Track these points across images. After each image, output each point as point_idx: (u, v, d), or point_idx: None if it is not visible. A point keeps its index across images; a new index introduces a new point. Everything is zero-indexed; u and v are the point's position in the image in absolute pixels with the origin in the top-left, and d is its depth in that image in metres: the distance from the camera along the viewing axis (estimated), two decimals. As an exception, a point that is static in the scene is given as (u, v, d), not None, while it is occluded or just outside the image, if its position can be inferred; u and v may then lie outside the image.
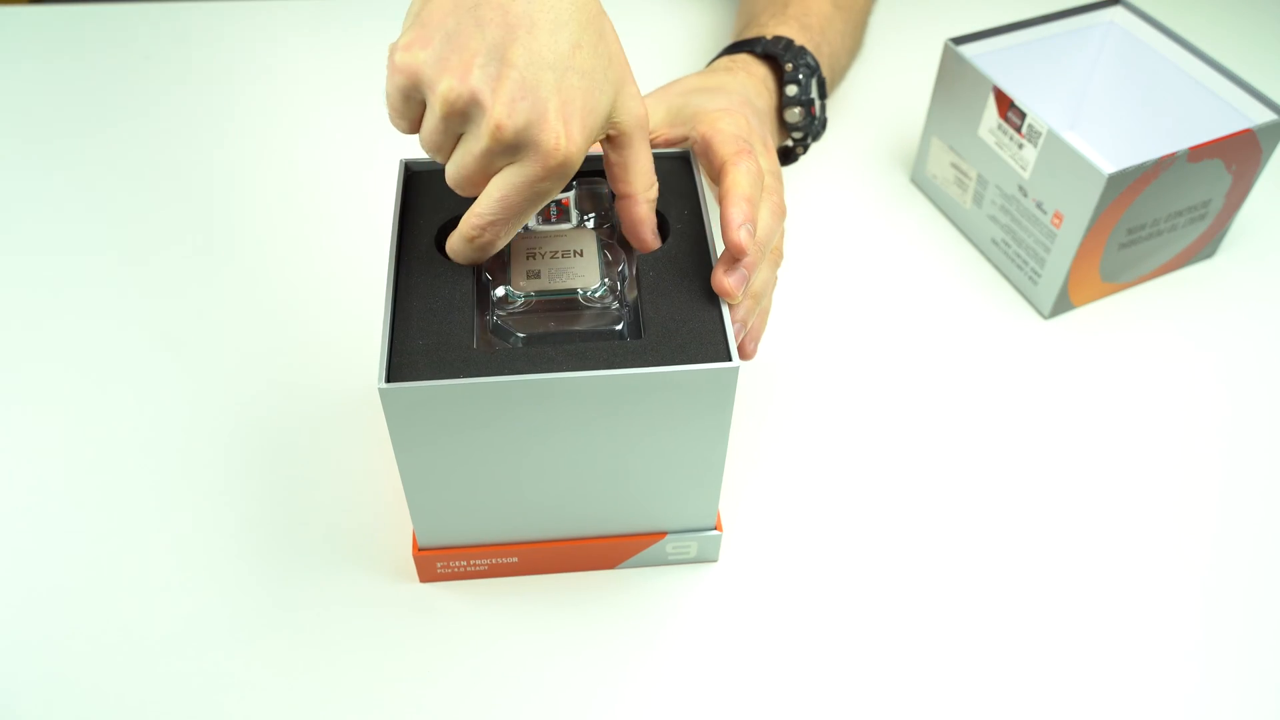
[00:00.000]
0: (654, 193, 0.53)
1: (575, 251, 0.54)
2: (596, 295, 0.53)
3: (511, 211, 0.49)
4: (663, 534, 0.58)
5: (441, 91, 0.46)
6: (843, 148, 0.86)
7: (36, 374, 0.69)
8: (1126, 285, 0.76)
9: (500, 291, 0.52)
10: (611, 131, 0.51)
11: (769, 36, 0.72)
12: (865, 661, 0.57)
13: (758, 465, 0.65)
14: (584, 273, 0.53)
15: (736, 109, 0.61)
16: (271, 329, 0.71)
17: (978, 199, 0.77)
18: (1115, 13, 0.79)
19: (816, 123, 0.73)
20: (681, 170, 0.59)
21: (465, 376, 0.48)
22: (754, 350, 0.57)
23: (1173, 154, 0.66)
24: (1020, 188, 0.72)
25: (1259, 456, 0.66)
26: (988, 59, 0.77)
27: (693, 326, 0.50)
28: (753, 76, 0.70)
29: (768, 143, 0.62)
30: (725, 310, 0.51)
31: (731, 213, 0.52)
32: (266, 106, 0.88)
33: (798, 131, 0.72)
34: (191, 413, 0.67)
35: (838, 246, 0.79)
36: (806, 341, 0.72)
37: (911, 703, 0.55)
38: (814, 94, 0.72)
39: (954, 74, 0.75)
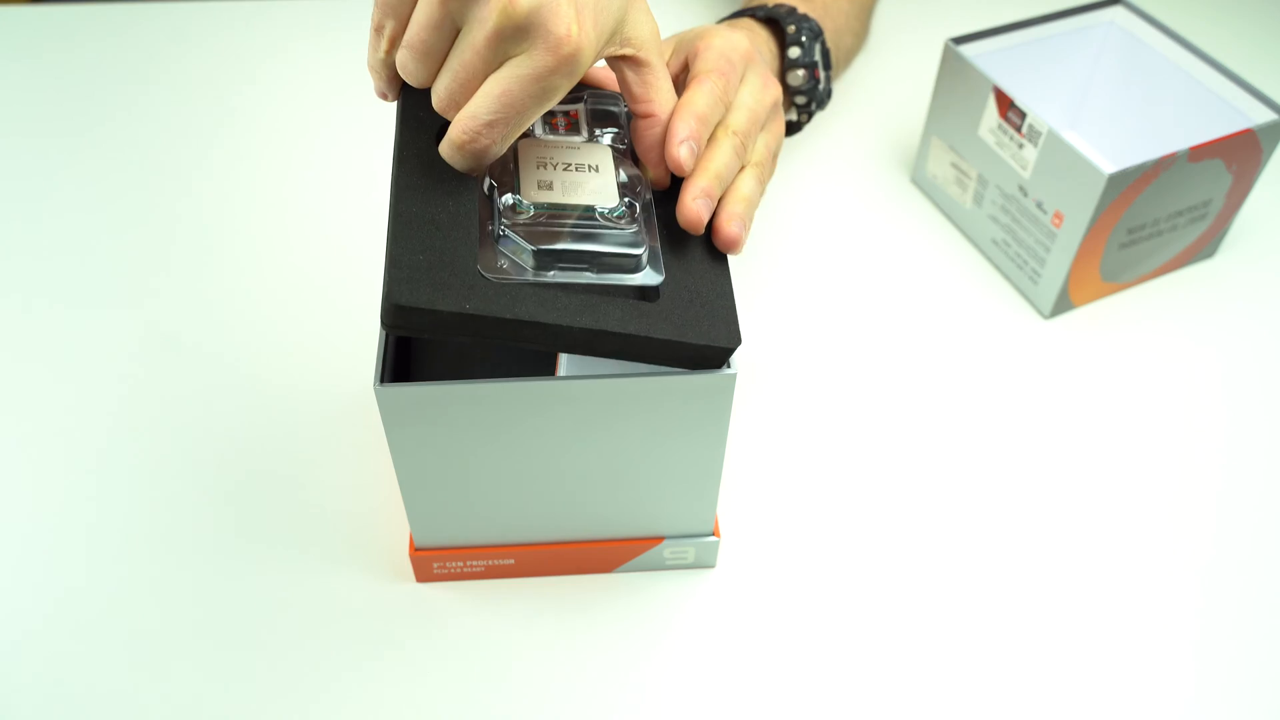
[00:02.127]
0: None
1: (591, 166, 0.49)
2: (615, 216, 0.48)
3: (513, 109, 0.44)
4: (660, 539, 0.58)
5: None
6: (843, 148, 0.86)
7: (34, 374, 0.69)
8: (1126, 285, 0.76)
9: (508, 200, 0.47)
10: (626, 50, 0.48)
11: (770, 3, 0.72)
12: (863, 668, 0.57)
13: (757, 469, 0.65)
14: (601, 189, 0.48)
15: (722, 29, 0.58)
16: (269, 329, 0.71)
17: (978, 199, 0.77)
18: (1115, 13, 0.79)
19: (821, 90, 0.71)
20: None
21: (467, 307, 0.42)
22: (739, 233, 0.51)
23: (1173, 154, 0.66)
24: (1020, 188, 0.72)
25: (1259, 456, 0.66)
26: (988, 59, 0.77)
27: (707, 298, 0.47)
28: (753, 34, 0.68)
29: (766, 77, 0.58)
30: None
31: (676, 126, 0.49)
32: (266, 106, 0.88)
33: (801, 96, 0.71)
34: (189, 412, 0.67)
35: (838, 246, 0.79)
36: (806, 342, 0.72)
37: (910, 707, 0.55)
38: (817, 57, 0.70)
39: (954, 74, 0.75)
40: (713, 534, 0.58)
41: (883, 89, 0.92)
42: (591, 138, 0.51)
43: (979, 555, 0.61)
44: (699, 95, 0.51)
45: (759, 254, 0.78)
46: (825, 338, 0.72)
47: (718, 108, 0.52)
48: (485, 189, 0.47)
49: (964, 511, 0.63)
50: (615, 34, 0.47)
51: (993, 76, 0.72)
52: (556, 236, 0.46)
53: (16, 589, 0.59)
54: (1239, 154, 0.70)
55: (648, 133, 0.50)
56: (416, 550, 0.57)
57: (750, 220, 0.52)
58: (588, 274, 0.46)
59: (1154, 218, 0.70)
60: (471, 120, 0.44)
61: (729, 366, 0.48)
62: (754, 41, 0.68)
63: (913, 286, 0.76)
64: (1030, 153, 0.70)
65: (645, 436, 0.51)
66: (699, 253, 0.50)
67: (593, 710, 0.55)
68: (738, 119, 0.54)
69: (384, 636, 0.57)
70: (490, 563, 0.58)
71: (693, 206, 0.49)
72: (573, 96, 0.52)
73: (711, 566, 0.60)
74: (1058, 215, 0.69)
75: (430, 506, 0.54)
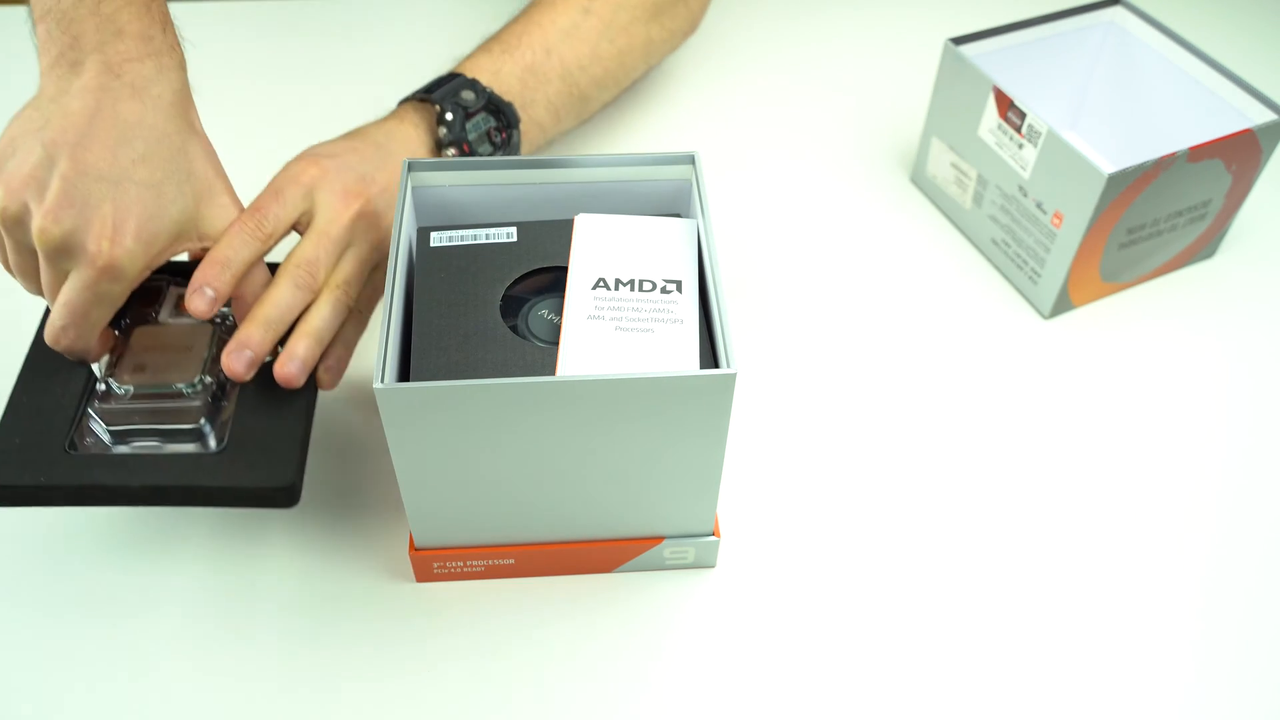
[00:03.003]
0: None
1: (186, 347, 0.56)
2: (194, 391, 0.54)
3: (77, 315, 0.52)
4: (660, 539, 0.58)
5: None
6: (843, 148, 0.86)
7: None
8: (1126, 285, 0.76)
9: (102, 386, 0.55)
10: (205, 243, 0.55)
11: (456, 75, 0.70)
12: (863, 667, 0.57)
13: (757, 469, 0.65)
14: (186, 367, 0.55)
15: (329, 145, 0.62)
16: None
17: (978, 199, 0.77)
18: (1115, 13, 0.79)
19: (490, 149, 0.69)
20: None
21: (42, 479, 0.52)
22: (293, 374, 0.55)
23: (1173, 154, 0.66)
24: (1020, 188, 0.72)
25: (1259, 456, 0.66)
26: (988, 59, 0.77)
27: (271, 441, 0.54)
28: (404, 123, 0.67)
29: (342, 194, 0.59)
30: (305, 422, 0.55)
31: (195, 275, 0.54)
32: (266, 106, 0.88)
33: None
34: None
35: (838, 246, 0.79)
36: (806, 342, 0.72)
37: (911, 707, 0.55)
38: (467, 134, 0.68)
39: (954, 74, 0.75)
40: (713, 534, 0.58)
41: (883, 89, 0.92)
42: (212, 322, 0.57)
43: (978, 555, 0.61)
44: (223, 242, 0.55)
45: (759, 254, 0.78)
46: (825, 338, 0.72)
47: (240, 248, 0.55)
48: (96, 372, 0.56)
49: (964, 512, 0.63)
50: (183, 233, 0.54)
51: (992, 76, 0.72)
52: (132, 416, 0.54)
53: (17, 590, 0.59)
54: (1239, 154, 0.70)
55: (237, 311, 0.56)
56: (416, 550, 0.57)
57: (318, 347, 0.56)
58: (155, 443, 0.54)
59: (1154, 218, 0.70)
60: (51, 325, 0.53)
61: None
62: (400, 129, 0.66)
63: (913, 287, 0.76)
64: (1030, 153, 0.70)
65: (645, 436, 0.51)
66: (280, 393, 0.55)
67: (593, 710, 0.55)
68: (301, 251, 0.57)
69: (384, 636, 0.57)
70: (490, 563, 0.58)
71: (226, 362, 0.54)
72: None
73: (711, 566, 0.60)
74: (1057, 215, 0.69)
75: (430, 506, 0.54)
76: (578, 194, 0.59)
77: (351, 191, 0.60)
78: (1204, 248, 0.77)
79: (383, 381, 0.47)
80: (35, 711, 0.54)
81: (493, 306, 0.53)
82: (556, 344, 0.52)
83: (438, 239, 0.56)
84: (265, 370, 0.56)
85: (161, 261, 0.54)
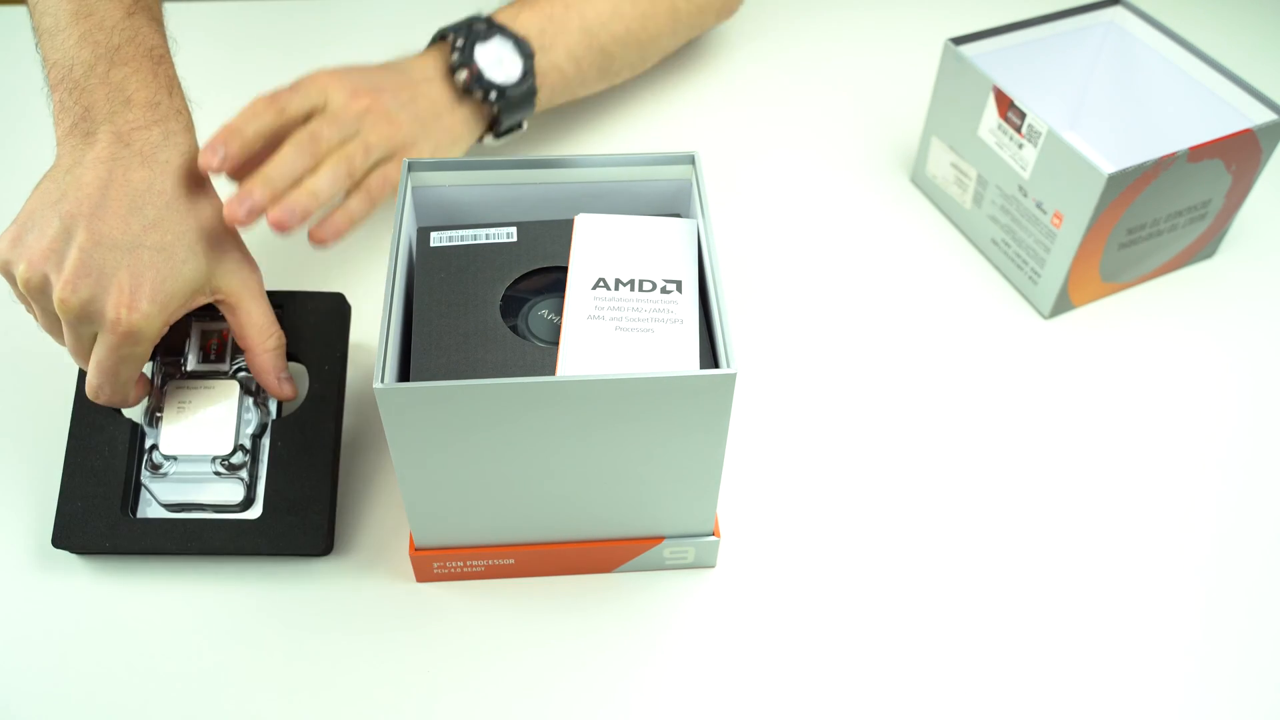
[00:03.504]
0: (273, 342, 0.59)
1: (217, 409, 0.60)
2: (228, 464, 0.59)
3: (108, 374, 0.55)
4: (660, 539, 0.58)
5: (20, 275, 0.53)
6: (843, 148, 0.86)
7: (38, 379, 0.69)
8: (1126, 285, 0.76)
9: (154, 458, 0.59)
10: (218, 297, 0.57)
11: (481, 19, 0.73)
12: (862, 667, 0.57)
13: (757, 469, 0.65)
14: (219, 437, 0.59)
15: (348, 73, 0.66)
16: None
17: (978, 199, 0.77)
18: (1115, 13, 0.79)
19: (488, 83, 0.72)
20: (333, 313, 0.63)
21: (111, 546, 0.57)
22: (283, 218, 0.57)
23: (1173, 154, 0.66)
24: (1020, 188, 0.72)
25: (1259, 456, 0.66)
26: (988, 59, 0.77)
27: (303, 506, 0.58)
28: (424, 58, 0.72)
29: (352, 91, 0.64)
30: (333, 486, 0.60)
31: (211, 140, 0.57)
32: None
33: (479, 92, 0.72)
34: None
35: (838, 247, 0.79)
36: (806, 342, 0.72)
37: (910, 706, 0.55)
38: (477, 60, 0.71)
39: (954, 74, 0.75)
40: (713, 534, 0.58)
41: (883, 89, 0.92)
42: (232, 361, 0.61)
43: (979, 555, 0.61)
44: (242, 112, 0.59)
45: (759, 254, 0.78)
46: (825, 338, 0.72)
47: (259, 116, 0.59)
48: (139, 426, 0.60)
49: (964, 511, 0.63)
50: (198, 290, 0.56)
51: (992, 76, 0.72)
52: (180, 486, 0.59)
53: (21, 598, 0.59)
54: (1238, 154, 0.70)
55: (250, 361, 0.59)
56: (417, 550, 0.57)
57: (312, 203, 0.59)
58: (205, 513, 0.59)
59: (1154, 218, 0.70)
60: (89, 384, 0.56)
61: (729, 366, 0.49)
62: (416, 59, 0.72)
63: (913, 287, 0.76)
64: (1030, 153, 0.70)
65: (646, 436, 0.51)
66: (304, 458, 0.59)
67: (595, 710, 0.55)
68: (308, 125, 0.61)
69: (384, 636, 0.57)
70: (490, 562, 0.58)
71: (228, 209, 0.56)
72: (222, 316, 0.61)
73: (711, 566, 0.60)
74: (1057, 215, 0.69)
75: (430, 506, 0.54)
76: (577, 194, 0.59)
77: (362, 90, 0.65)
78: (1204, 248, 0.77)
79: (383, 381, 0.47)
80: (39, 710, 0.54)
81: (493, 306, 0.53)
82: (557, 344, 0.52)
83: (438, 239, 0.56)
84: (291, 432, 0.60)
85: (179, 317, 0.56)
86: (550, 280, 0.55)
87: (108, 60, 0.56)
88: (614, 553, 0.59)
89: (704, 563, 0.60)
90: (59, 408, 0.65)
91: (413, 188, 0.58)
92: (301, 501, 0.59)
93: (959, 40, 0.76)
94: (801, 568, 0.61)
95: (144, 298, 0.53)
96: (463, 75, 0.71)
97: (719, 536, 0.59)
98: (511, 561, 0.58)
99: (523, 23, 0.75)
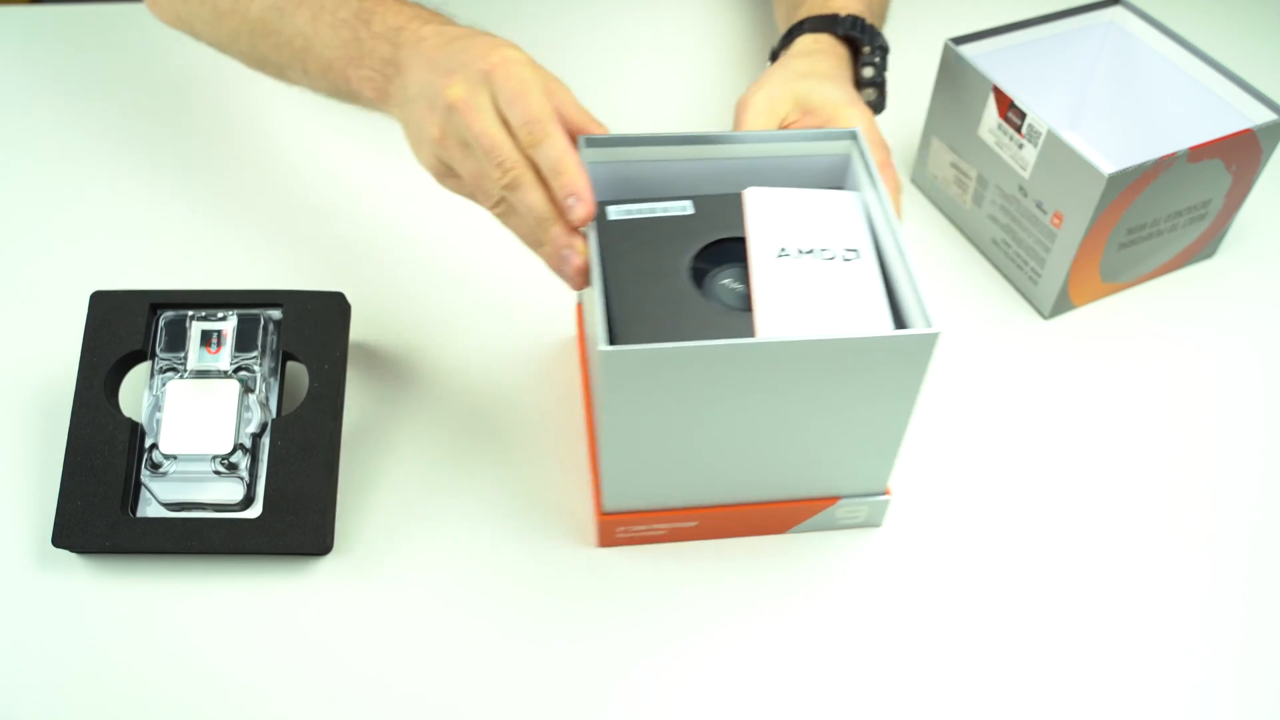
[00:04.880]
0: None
1: (217, 408, 0.60)
2: (227, 463, 0.59)
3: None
4: (836, 498, 0.59)
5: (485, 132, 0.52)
6: (843, 148, 0.86)
7: (38, 379, 0.69)
8: (1126, 285, 0.76)
9: (154, 457, 0.60)
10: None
11: (843, 15, 0.73)
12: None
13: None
14: (220, 435, 0.59)
15: (854, 100, 0.65)
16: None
17: (978, 199, 0.77)
18: (1115, 13, 0.79)
19: (883, 102, 0.73)
20: (333, 313, 0.63)
21: (111, 544, 0.58)
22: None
23: (1173, 154, 0.66)
24: (1020, 188, 0.72)
25: (1258, 456, 0.66)
26: (988, 59, 0.77)
27: (304, 505, 0.59)
28: (840, 60, 0.71)
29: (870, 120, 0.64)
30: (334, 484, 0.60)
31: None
32: (266, 105, 0.88)
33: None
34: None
35: (838, 246, 0.79)
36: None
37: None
38: (885, 74, 0.73)
39: (954, 74, 0.75)
40: (885, 493, 0.59)
41: (883, 89, 0.92)
42: (232, 360, 0.62)
43: (977, 555, 0.61)
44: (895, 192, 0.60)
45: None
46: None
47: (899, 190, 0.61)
48: (136, 428, 0.60)
49: (964, 511, 0.63)
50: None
51: (992, 76, 0.72)
52: (180, 485, 0.59)
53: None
54: (1238, 154, 0.70)
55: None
56: (604, 515, 0.58)
57: None
58: (205, 512, 0.60)
59: (1154, 218, 0.70)
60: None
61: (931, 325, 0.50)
62: (840, 64, 0.70)
63: (913, 286, 0.76)
64: (1030, 153, 0.70)
65: (844, 394, 0.52)
66: (304, 458, 0.60)
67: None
68: None
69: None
70: (673, 525, 0.59)
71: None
72: (222, 315, 0.63)
73: (878, 525, 0.61)
74: (1057, 215, 0.69)
75: (627, 470, 0.55)
76: (741, 169, 0.60)
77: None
78: (1204, 248, 0.77)
79: (609, 344, 0.48)
80: (40, 710, 0.54)
81: (682, 275, 0.55)
82: (746, 310, 0.53)
83: (614, 212, 0.57)
84: (291, 431, 0.60)
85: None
86: (724, 251, 0.56)
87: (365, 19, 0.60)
88: (791, 513, 0.60)
89: (872, 522, 0.61)
90: (59, 408, 0.65)
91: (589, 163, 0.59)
92: (301, 500, 0.59)
93: (959, 40, 0.76)
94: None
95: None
96: (870, 92, 0.72)
97: (890, 495, 0.60)
98: (694, 524, 0.59)
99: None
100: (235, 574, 0.60)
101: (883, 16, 0.80)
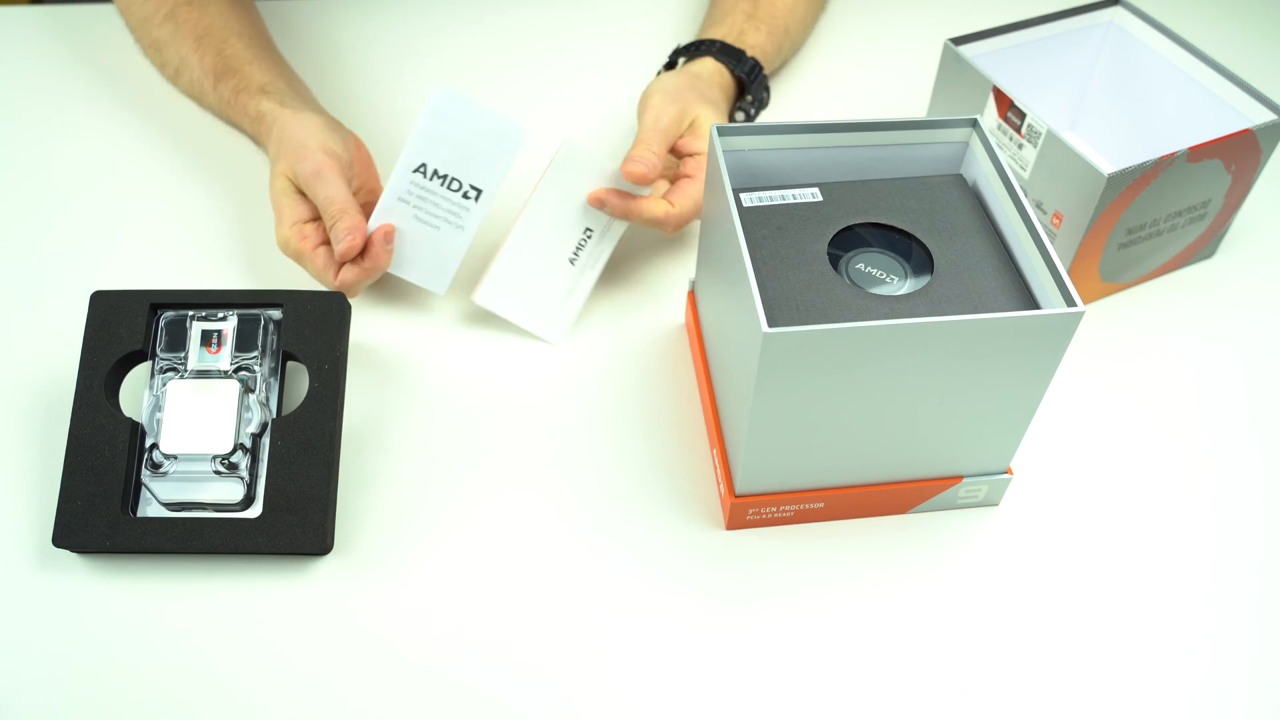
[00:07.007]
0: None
1: (217, 409, 0.60)
2: (227, 462, 0.59)
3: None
4: (960, 478, 0.59)
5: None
6: (843, 148, 0.86)
7: (38, 379, 0.69)
8: (1126, 285, 0.76)
9: (152, 456, 0.60)
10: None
11: (748, 55, 0.81)
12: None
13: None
14: (219, 436, 0.60)
15: (710, 119, 0.72)
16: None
17: (977, 199, 0.77)
18: (1115, 13, 0.79)
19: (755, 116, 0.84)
20: (333, 313, 0.63)
21: (111, 544, 0.58)
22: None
23: (1173, 154, 0.66)
24: (1020, 188, 0.72)
25: (1259, 456, 0.66)
26: (988, 59, 0.77)
27: (302, 505, 0.59)
28: (726, 96, 0.80)
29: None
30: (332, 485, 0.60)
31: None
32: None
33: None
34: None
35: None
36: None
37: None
38: (753, 112, 0.83)
39: (954, 74, 0.75)
40: (1007, 472, 0.60)
41: (883, 89, 0.92)
42: (232, 360, 0.62)
43: (978, 555, 0.61)
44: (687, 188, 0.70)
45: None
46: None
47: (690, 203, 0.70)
48: (137, 428, 0.60)
49: (963, 511, 0.63)
50: None
51: (992, 76, 0.72)
52: (180, 485, 0.59)
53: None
54: (1238, 154, 0.70)
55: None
56: (736, 497, 0.58)
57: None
58: (205, 512, 0.60)
59: (1153, 218, 0.70)
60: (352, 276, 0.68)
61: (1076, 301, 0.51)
62: (723, 93, 0.79)
63: (913, 286, 0.76)
64: (1030, 153, 0.70)
65: (985, 374, 0.53)
66: (304, 458, 0.60)
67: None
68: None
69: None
70: (801, 507, 0.59)
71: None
72: (222, 315, 0.63)
73: (996, 505, 0.62)
74: (1057, 215, 0.69)
75: (767, 451, 0.55)
76: (861, 157, 0.61)
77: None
78: (1204, 248, 0.77)
79: (768, 326, 0.49)
80: (40, 710, 0.54)
81: (822, 260, 0.56)
82: (882, 295, 0.55)
83: (748, 199, 0.59)
84: (291, 431, 0.60)
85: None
86: (854, 236, 0.58)
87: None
88: (916, 492, 0.60)
89: (990, 501, 0.62)
90: (59, 408, 0.65)
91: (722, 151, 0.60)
92: (301, 500, 0.59)
93: (959, 40, 0.76)
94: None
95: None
96: (739, 117, 0.82)
97: (1011, 475, 0.60)
98: (821, 505, 0.60)
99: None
100: (235, 574, 0.60)
101: (784, 57, 0.89)
